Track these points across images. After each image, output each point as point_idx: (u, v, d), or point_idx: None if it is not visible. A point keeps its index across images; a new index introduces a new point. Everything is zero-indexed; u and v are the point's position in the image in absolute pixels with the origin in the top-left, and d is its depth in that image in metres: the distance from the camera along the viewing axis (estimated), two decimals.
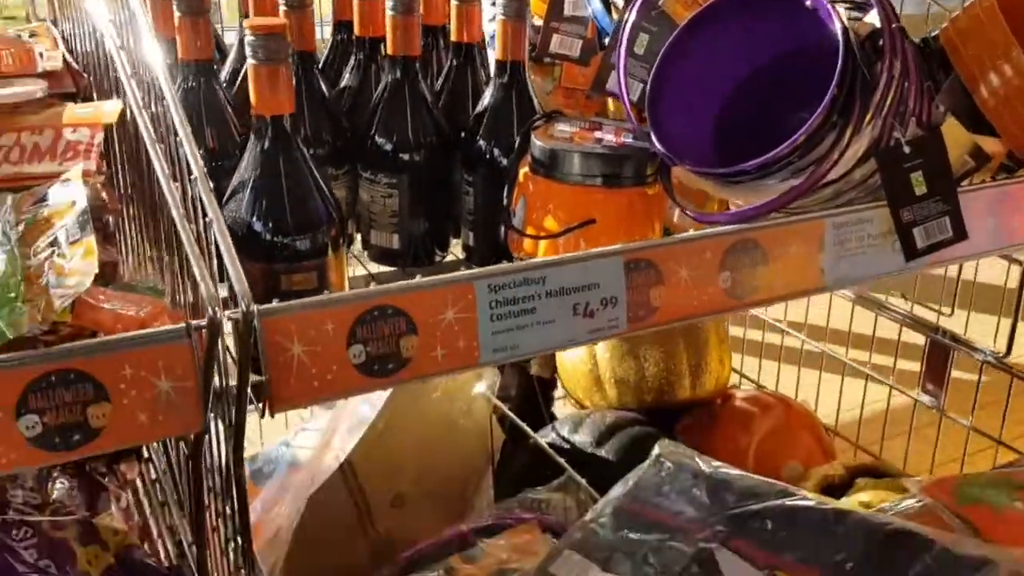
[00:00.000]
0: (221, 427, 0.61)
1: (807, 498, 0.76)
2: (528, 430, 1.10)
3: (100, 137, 0.74)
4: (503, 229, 0.90)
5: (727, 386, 1.24)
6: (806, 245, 0.74)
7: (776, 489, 0.78)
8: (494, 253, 0.92)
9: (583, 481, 0.96)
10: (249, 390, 0.55)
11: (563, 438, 1.10)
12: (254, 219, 0.69)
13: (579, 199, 0.75)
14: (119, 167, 0.87)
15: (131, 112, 0.73)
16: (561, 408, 1.39)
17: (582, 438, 1.09)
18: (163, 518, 0.80)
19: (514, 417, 1.11)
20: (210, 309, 0.54)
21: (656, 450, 0.90)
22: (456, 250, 0.98)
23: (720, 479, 0.82)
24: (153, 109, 0.71)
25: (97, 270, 0.56)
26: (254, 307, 0.54)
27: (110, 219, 0.81)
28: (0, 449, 0.49)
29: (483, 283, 0.61)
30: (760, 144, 0.73)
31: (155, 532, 0.83)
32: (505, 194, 0.80)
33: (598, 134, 0.79)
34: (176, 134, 0.65)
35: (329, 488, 0.88)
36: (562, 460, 1.00)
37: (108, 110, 0.77)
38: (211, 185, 0.60)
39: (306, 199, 0.70)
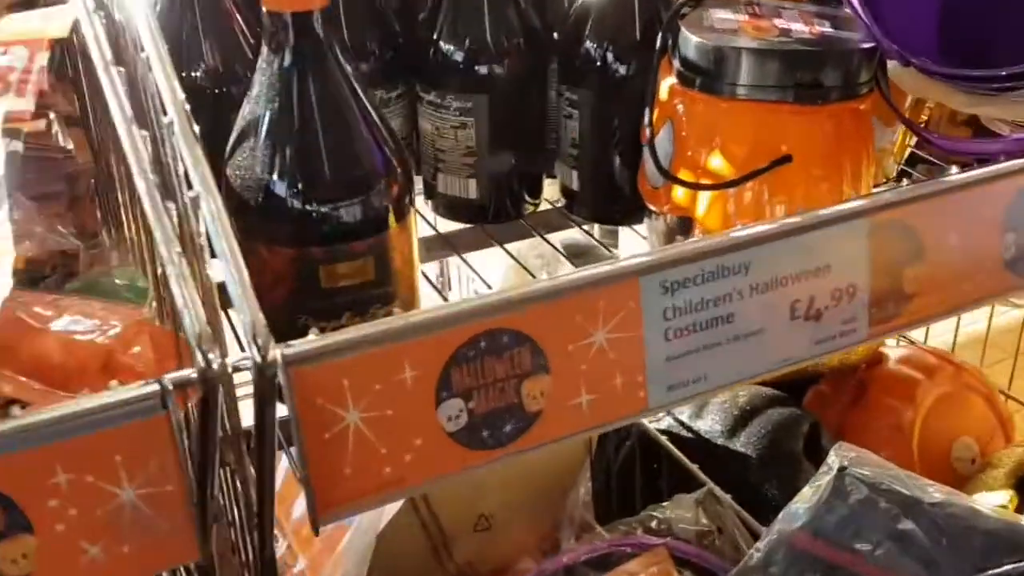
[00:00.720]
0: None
1: None
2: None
3: (42, 60, 0.50)
4: (616, 165, 0.65)
5: (880, 347, 0.99)
6: None
7: None
8: (609, 198, 0.67)
9: (728, 498, 0.73)
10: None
11: (684, 425, 0.87)
12: (274, 177, 0.44)
13: (763, 123, 0.50)
14: (91, 99, 0.63)
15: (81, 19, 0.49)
16: None
17: (709, 426, 0.86)
18: None
19: None
20: (199, 356, 0.30)
21: (833, 459, 0.65)
22: (548, 194, 0.73)
23: (945, 513, 0.58)
24: (116, 14, 0.47)
25: (9, 288, 0.32)
26: (276, 351, 0.30)
27: (79, 175, 0.58)
28: None
29: (653, 280, 0.36)
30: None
31: None
32: (645, 119, 0.54)
33: (778, 22, 0.53)
34: (142, 49, 0.40)
35: (395, 526, 0.66)
36: (694, 467, 0.77)
37: (56, 20, 0.53)
38: (197, 131, 0.36)
39: (354, 141, 0.45)
